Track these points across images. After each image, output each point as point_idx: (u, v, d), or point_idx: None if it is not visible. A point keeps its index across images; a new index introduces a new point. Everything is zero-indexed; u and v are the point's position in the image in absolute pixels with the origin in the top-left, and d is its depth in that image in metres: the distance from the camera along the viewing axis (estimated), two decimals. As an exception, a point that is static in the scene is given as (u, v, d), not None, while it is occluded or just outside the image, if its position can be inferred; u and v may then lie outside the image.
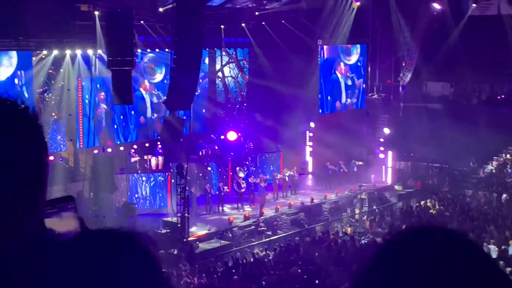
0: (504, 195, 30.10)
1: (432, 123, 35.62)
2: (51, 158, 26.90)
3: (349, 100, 38.04)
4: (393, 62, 38.05)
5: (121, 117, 29.64)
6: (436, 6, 35.51)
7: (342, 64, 37.42)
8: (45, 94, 26.94)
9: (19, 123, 1.52)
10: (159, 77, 31.33)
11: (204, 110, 33.91)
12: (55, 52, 26.62)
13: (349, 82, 37.91)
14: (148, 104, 31.06)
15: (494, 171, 34.22)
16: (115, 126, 29.48)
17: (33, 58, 25.97)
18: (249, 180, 30.10)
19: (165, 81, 30.05)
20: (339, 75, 37.31)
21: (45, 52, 26.49)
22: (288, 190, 31.73)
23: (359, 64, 38.27)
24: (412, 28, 36.21)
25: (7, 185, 1.47)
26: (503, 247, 22.23)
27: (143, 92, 30.79)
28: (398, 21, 36.19)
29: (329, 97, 36.77)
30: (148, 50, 30.41)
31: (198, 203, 28.44)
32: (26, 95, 25.61)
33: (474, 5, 36.05)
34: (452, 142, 33.46)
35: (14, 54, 25.49)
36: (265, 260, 22.41)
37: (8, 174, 1.47)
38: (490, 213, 27.42)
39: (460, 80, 39.01)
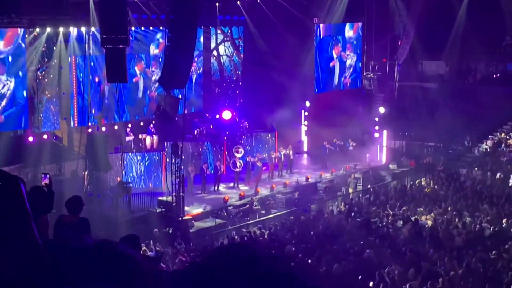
0: (498, 174, 30.17)
1: (427, 102, 35.61)
2: (45, 136, 26.78)
3: (344, 79, 37.89)
4: (389, 41, 37.84)
5: (115, 95, 29.34)
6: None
7: (337, 42, 37.23)
8: (39, 73, 26.72)
9: None
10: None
11: (199, 89, 33.74)
12: (48, 30, 26.35)
13: (345, 61, 37.75)
14: (142, 83, 30.83)
15: (488, 149, 34.25)
16: (118, 104, 28.99)
17: (26, 36, 25.69)
18: (247, 159, 30.05)
19: (160, 59, 29.83)
20: (334, 54, 37.13)
21: (38, 30, 26.21)
22: (284, 169, 31.70)
23: (354, 42, 38.07)
24: (408, 6, 35.97)
25: None
26: (497, 225, 22.27)
27: (138, 71, 30.54)
28: (394, -1, 35.93)
29: (324, 76, 36.60)
30: (142, 28, 30.12)
31: (194, 182, 28.38)
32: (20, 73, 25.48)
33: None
34: (447, 121, 33.43)
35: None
36: (260, 239, 22.41)
37: None
38: (484, 192, 27.44)
39: (455, 59, 38.89)
